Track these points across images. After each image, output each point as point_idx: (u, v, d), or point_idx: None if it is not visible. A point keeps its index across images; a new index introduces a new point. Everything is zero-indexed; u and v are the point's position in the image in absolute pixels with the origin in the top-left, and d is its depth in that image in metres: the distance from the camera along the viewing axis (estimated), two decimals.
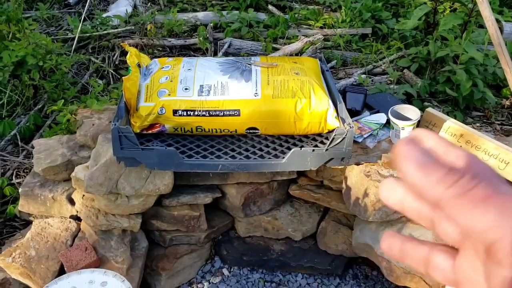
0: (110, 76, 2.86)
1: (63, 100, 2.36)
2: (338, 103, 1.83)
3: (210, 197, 2.03)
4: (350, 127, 1.71)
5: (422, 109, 2.37)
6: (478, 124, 2.46)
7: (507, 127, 2.43)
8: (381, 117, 2.06)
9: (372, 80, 2.68)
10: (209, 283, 2.08)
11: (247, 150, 1.82)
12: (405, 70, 2.74)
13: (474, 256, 0.31)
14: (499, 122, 2.48)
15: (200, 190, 2.04)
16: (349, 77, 2.70)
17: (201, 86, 1.84)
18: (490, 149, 1.88)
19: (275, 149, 1.83)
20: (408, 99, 2.52)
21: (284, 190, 2.18)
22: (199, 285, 2.07)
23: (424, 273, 0.35)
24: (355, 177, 1.92)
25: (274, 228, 2.16)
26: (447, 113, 2.38)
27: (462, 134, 1.97)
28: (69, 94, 2.61)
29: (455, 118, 2.14)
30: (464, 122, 2.26)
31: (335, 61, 2.81)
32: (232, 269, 2.14)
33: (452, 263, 0.33)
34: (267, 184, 2.08)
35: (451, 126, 2.01)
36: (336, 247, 2.11)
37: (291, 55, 2.88)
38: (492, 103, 2.44)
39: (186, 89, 1.83)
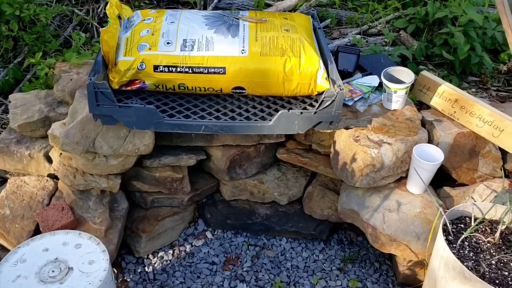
0: (94, 29, 2.72)
1: (41, 53, 2.23)
2: (329, 63, 1.74)
3: (194, 159, 1.96)
4: (340, 90, 1.62)
5: (417, 72, 2.28)
6: (473, 90, 2.38)
7: (503, 93, 2.36)
8: (373, 80, 1.97)
9: (366, 41, 2.57)
10: (192, 245, 2.03)
11: (232, 111, 1.74)
12: (401, 32, 2.63)
13: None
14: (495, 88, 2.40)
15: (183, 151, 1.97)
16: (343, 37, 2.59)
17: (185, 40, 1.72)
18: (484, 115, 1.81)
19: (262, 110, 1.75)
20: (403, 62, 2.43)
21: (272, 154, 2.11)
22: (181, 248, 2.02)
23: None
24: (344, 141, 1.85)
25: (260, 192, 2.10)
26: (443, 77, 2.30)
27: (457, 99, 1.89)
28: (51, 47, 2.48)
29: (450, 83, 2.06)
30: (459, 87, 2.18)
31: (330, 19, 2.69)
32: (215, 232, 2.10)
33: None
34: (254, 147, 2.01)
35: (446, 90, 1.93)
36: (321, 212, 2.06)
37: (284, 11, 2.74)
38: (489, 68, 2.35)
39: (168, 43, 1.72)
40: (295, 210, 2.12)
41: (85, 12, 2.82)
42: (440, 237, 1.47)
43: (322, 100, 1.62)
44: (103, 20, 2.79)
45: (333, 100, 1.62)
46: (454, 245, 1.49)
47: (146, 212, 2.03)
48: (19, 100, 2.03)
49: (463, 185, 1.92)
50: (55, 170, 1.88)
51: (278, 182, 2.11)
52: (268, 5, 2.80)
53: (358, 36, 2.57)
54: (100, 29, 1.64)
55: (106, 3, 2.85)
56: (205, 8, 2.79)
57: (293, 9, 2.79)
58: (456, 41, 2.30)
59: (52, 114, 1.97)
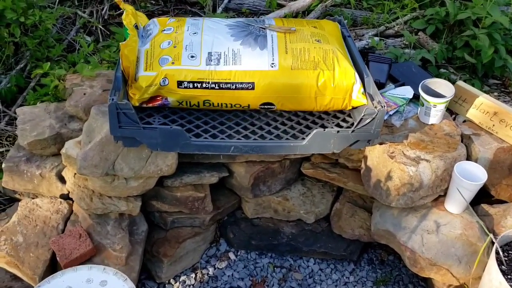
0: (99, 32, 2.58)
1: (49, 64, 2.09)
2: (365, 76, 1.62)
3: (216, 177, 1.84)
4: (382, 107, 1.50)
5: (438, 76, 2.18)
6: (495, 93, 2.28)
7: None
8: (407, 91, 1.86)
9: (385, 43, 2.45)
10: (215, 268, 1.92)
11: (261, 128, 1.62)
12: (420, 33, 2.51)
13: None
14: None
15: (206, 169, 1.85)
16: (360, 39, 2.47)
17: (210, 53, 1.60)
18: None
19: (292, 127, 1.63)
20: (423, 65, 2.32)
21: (296, 169, 2.00)
22: (203, 271, 1.91)
23: None
24: (377, 157, 1.74)
25: (284, 209, 1.99)
26: (464, 81, 2.20)
27: (496, 112, 1.78)
28: (54, 52, 2.34)
29: (473, 87, 1.95)
30: (480, 90, 2.08)
31: (346, 20, 2.56)
32: (239, 253, 1.98)
33: None
34: (279, 163, 1.89)
35: (484, 102, 1.82)
36: (352, 231, 1.95)
37: (297, 12, 2.62)
38: None
39: (192, 56, 1.59)
40: (323, 229, 2.01)
41: (88, 13, 2.68)
42: (495, 269, 1.37)
43: (362, 118, 1.50)
44: (107, 22, 2.65)
45: (373, 118, 1.51)
46: (510, 276, 1.38)
47: (166, 233, 1.91)
48: (27, 115, 1.90)
49: (501, 201, 1.82)
50: (69, 192, 1.76)
51: (303, 198, 1.99)
52: (280, 5, 2.68)
53: (377, 39, 2.45)
54: (120, 43, 1.51)
55: (111, 4, 2.71)
56: (214, 8, 2.66)
57: (307, 10, 2.67)
58: (479, 43, 2.19)
59: (64, 131, 1.84)
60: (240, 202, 2.05)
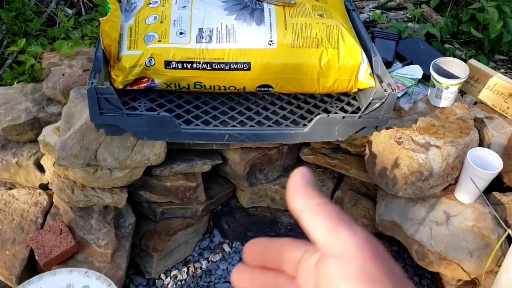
0: (81, 3, 2.38)
1: (24, 40, 1.91)
2: (372, 55, 1.47)
3: (209, 165, 1.70)
4: (392, 90, 1.35)
5: (442, 51, 2.04)
6: (502, 70, 2.15)
7: None
8: (415, 71, 1.71)
9: (387, 17, 2.29)
10: (208, 261, 1.80)
11: (258, 113, 1.47)
12: (423, 5, 2.35)
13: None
14: None
15: (197, 156, 1.70)
16: (361, 12, 2.30)
17: (200, 30, 1.43)
18: None
19: (292, 112, 1.48)
20: (427, 40, 2.17)
21: (295, 155, 1.86)
22: (196, 264, 1.78)
23: None
24: (383, 143, 1.61)
25: (282, 198, 1.86)
26: (470, 57, 2.07)
27: None
28: (33, 26, 2.15)
29: (479, 62, 1.81)
30: (487, 66, 1.94)
31: None
32: (234, 245, 1.85)
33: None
34: (276, 149, 1.75)
35: (498, 82, 1.68)
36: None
37: None
38: None
39: (181, 33, 1.42)
40: None
41: None
42: None
43: (370, 102, 1.36)
44: None
45: (383, 102, 1.36)
46: None
47: (155, 225, 1.77)
48: (1, 97, 1.74)
49: None
50: (49, 183, 1.61)
51: None
52: None
53: (378, 11, 2.29)
54: (100, 19, 1.33)
55: None
56: None
57: None
58: (487, 17, 2.04)
59: (42, 115, 1.68)
60: (234, 190, 1.92)
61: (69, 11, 2.34)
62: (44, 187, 1.70)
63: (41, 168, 1.67)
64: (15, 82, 1.86)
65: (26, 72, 1.85)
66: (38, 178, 1.68)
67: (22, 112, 1.68)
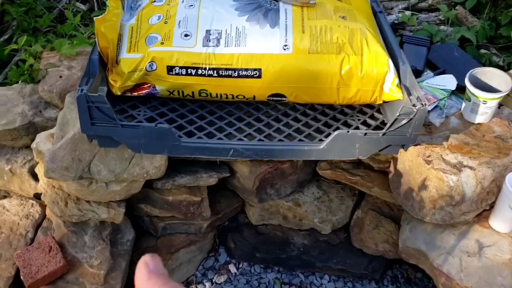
0: None
1: (25, 37, 1.80)
2: (400, 64, 1.30)
3: (215, 178, 1.55)
4: (422, 105, 1.18)
5: (479, 58, 1.85)
6: None
7: None
8: (448, 81, 1.53)
9: (417, 19, 2.11)
10: (212, 283, 1.65)
11: (268, 125, 1.32)
12: (458, 7, 2.16)
13: None
14: None
15: (202, 168, 1.56)
16: (389, 13, 2.12)
17: (208, 32, 1.29)
18: None
19: (307, 125, 1.33)
20: (461, 45, 1.98)
21: (311, 169, 1.70)
22: (199, 286, 1.64)
23: None
24: (410, 161, 1.44)
25: (295, 216, 1.70)
26: (508, 64, 1.88)
27: None
28: (42, 23, 2.04)
29: None
30: None
31: None
32: (240, 266, 1.71)
33: None
34: (290, 163, 1.59)
35: None
36: (375, 247, 1.66)
37: None
38: None
39: (186, 35, 1.28)
40: (340, 241, 1.72)
41: None
42: None
43: (396, 118, 1.19)
44: None
45: (411, 119, 1.19)
46: None
47: (156, 241, 1.64)
48: None
49: None
50: (42, 194, 1.49)
51: (318, 204, 1.70)
52: None
53: (408, 13, 2.11)
54: (94, 18, 1.20)
55: None
56: None
57: None
58: None
59: (38, 120, 1.56)
60: (243, 205, 1.77)
61: (82, 6, 2.23)
62: (39, 196, 1.58)
63: (35, 177, 1.56)
64: (20, 81, 1.76)
65: (25, 72, 1.74)
66: (33, 187, 1.57)
67: (18, 115, 1.57)
